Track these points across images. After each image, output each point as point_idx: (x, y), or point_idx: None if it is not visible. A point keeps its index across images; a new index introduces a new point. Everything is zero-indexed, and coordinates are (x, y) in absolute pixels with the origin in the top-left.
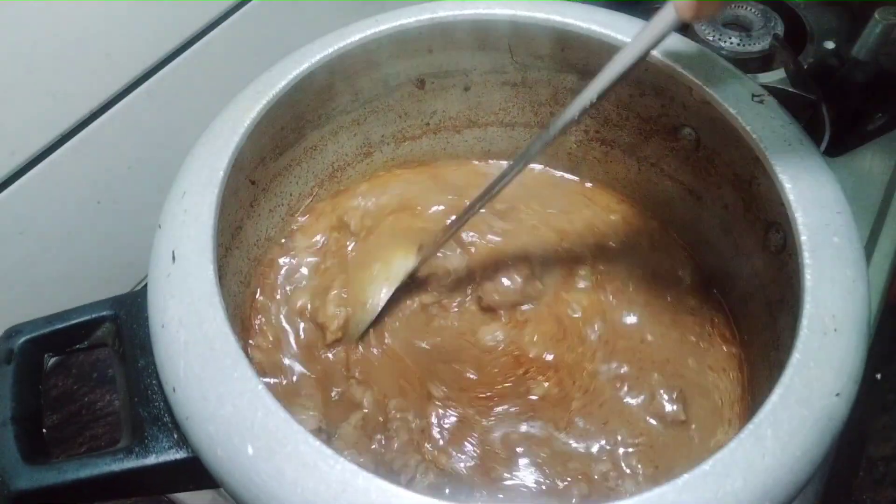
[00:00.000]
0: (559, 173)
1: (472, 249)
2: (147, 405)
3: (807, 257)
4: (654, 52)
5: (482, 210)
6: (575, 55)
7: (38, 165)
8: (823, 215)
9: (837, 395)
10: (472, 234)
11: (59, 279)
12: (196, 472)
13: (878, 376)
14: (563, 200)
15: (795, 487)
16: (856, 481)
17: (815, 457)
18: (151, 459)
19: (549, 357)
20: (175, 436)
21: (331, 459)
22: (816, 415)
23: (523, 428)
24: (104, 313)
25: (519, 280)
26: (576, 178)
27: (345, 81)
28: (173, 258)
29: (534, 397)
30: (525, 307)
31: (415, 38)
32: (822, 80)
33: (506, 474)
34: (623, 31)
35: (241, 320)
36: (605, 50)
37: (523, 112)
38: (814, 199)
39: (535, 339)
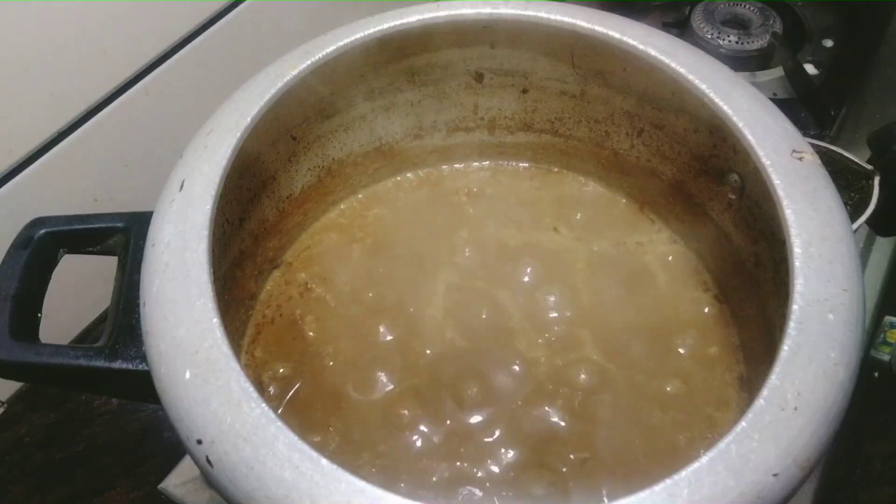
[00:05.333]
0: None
1: None
2: (128, 315)
3: (791, 328)
4: (711, 93)
5: None
6: (635, 78)
7: (34, 163)
8: (825, 289)
9: (775, 475)
10: None
11: (57, 279)
12: (151, 386)
13: (876, 374)
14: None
15: None
16: (853, 479)
17: None
18: (117, 364)
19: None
20: (143, 349)
21: (253, 402)
22: (744, 489)
23: None
24: (119, 224)
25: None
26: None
27: (401, 61)
28: (181, 187)
29: None
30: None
31: (475, 31)
32: (881, 151)
33: None
34: (681, 60)
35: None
36: (662, 79)
37: (578, 126)
38: (822, 270)
39: None
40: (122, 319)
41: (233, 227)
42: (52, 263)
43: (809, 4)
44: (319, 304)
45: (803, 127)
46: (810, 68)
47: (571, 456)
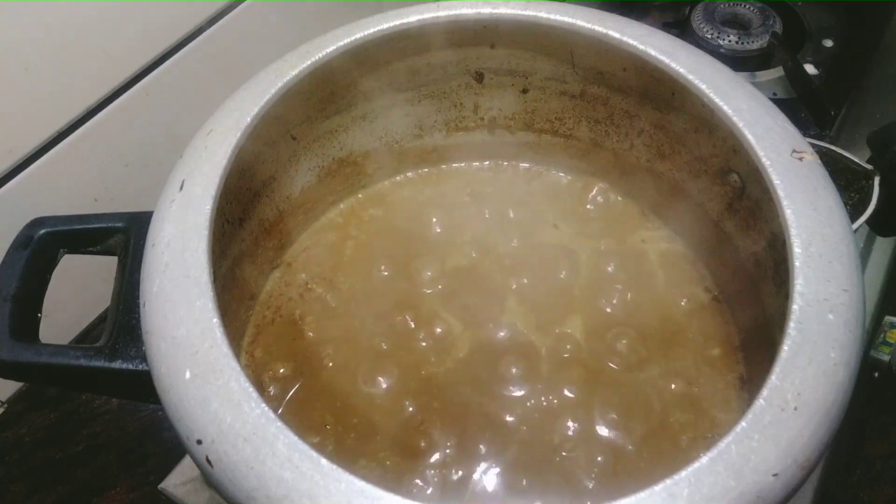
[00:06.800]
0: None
1: None
2: (129, 315)
3: (791, 328)
4: (711, 93)
5: None
6: (635, 78)
7: (34, 163)
8: (825, 289)
9: (775, 475)
10: None
11: (57, 279)
12: (151, 386)
13: (876, 374)
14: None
15: None
16: (853, 479)
17: None
18: (117, 364)
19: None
20: (143, 348)
21: (253, 402)
22: (744, 489)
23: None
24: (119, 224)
25: None
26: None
27: (401, 60)
28: (181, 187)
29: None
30: None
31: (475, 31)
32: (881, 152)
33: None
34: (681, 60)
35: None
36: (662, 79)
37: (579, 125)
38: (822, 270)
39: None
40: (122, 319)
41: (233, 227)
42: (52, 263)
43: (809, 4)
44: (319, 304)
45: (803, 127)
46: (810, 68)
47: (570, 453)
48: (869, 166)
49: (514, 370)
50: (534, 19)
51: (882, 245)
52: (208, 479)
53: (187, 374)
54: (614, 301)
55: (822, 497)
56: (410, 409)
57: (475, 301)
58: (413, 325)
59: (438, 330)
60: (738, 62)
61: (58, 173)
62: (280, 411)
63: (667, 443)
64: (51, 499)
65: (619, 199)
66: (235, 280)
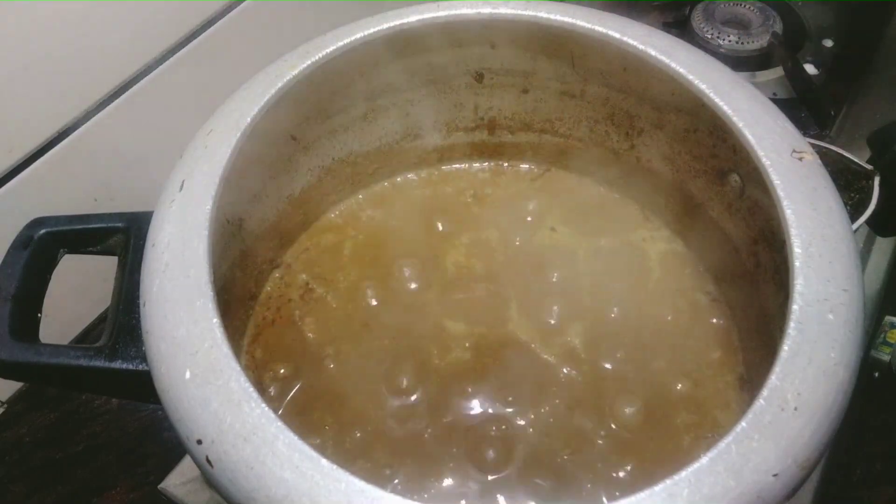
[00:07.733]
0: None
1: None
2: (129, 315)
3: (791, 328)
4: (711, 93)
5: None
6: (635, 78)
7: (34, 163)
8: (825, 289)
9: (775, 475)
10: None
11: (57, 279)
12: (151, 386)
13: (876, 375)
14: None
15: None
16: (853, 479)
17: None
18: (117, 364)
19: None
20: (143, 348)
21: (253, 402)
22: (744, 489)
23: None
24: (119, 224)
25: None
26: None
27: (401, 61)
28: (181, 187)
29: None
30: None
31: (475, 31)
32: (881, 152)
33: None
34: (681, 60)
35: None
36: (662, 79)
37: (578, 126)
38: (822, 270)
39: None
40: (122, 319)
41: (233, 227)
42: (52, 263)
43: (809, 4)
44: (319, 304)
45: (803, 127)
46: (810, 68)
47: (566, 456)
48: (869, 166)
49: (517, 370)
50: (534, 19)
51: (882, 245)
52: (208, 480)
53: (187, 374)
54: (614, 301)
55: (822, 497)
56: (411, 410)
57: (476, 301)
58: (413, 326)
59: (439, 330)
60: (738, 62)
61: (58, 173)
62: (280, 412)
63: (669, 443)
64: (51, 499)
65: (619, 199)
66: (235, 280)
